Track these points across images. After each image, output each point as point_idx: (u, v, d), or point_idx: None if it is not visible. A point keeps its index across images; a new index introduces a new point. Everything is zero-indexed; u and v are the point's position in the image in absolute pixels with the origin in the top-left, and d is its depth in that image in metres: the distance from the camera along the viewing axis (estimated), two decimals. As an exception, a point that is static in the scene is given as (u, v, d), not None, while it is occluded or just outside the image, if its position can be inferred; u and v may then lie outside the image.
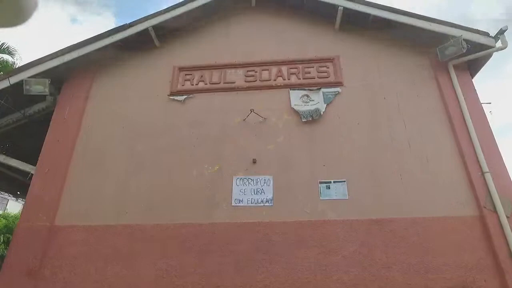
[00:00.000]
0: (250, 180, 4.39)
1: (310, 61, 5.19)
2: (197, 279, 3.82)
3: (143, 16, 5.41)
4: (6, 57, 9.59)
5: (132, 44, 5.49)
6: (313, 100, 4.82)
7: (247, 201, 4.27)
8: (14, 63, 8.47)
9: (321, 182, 4.29)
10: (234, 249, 3.95)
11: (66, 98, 5.23)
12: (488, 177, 3.99)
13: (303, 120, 4.66)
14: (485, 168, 4.03)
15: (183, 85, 5.22)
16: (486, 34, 4.59)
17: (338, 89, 4.89)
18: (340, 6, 5.11)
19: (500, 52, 4.53)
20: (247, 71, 5.23)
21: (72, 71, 5.40)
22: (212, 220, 4.16)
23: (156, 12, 5.42)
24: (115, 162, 4.62)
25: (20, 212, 5.10)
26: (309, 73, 5.11)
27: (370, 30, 5.27)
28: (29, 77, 4.97)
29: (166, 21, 5.39)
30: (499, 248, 3.63)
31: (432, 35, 4.81)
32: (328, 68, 5.11)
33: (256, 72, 5.20)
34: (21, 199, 9.02)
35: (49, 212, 4.34)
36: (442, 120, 4.49)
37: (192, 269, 3.88)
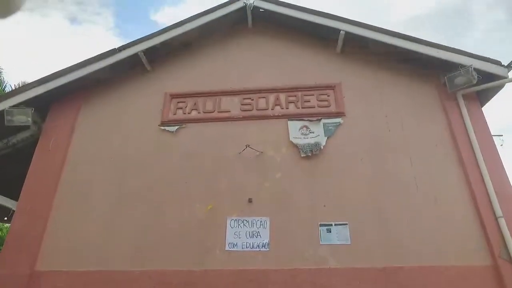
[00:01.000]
0: (245, 222, 4.09)
1: (309, 88, 4.88)
2: (187, 335, 3.53)
3: (133, 40, 5.11)
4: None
5: (122, 68, 5.20)
6: (313, 132, 4.53)
7: (242, 245, 3.97)
8: (1, 81, 8.16)
9: (321, 225, 3.99)
10: (227, 301, 3.65)
11: (51, 127, 4.94)
12: (502, 222, 3.68)
13: (302, 155, 4.36)
14: (499, 212, 3.73)
15: (174, 114, 4.92)
16: (498, 63, 4.29)
17: (339, 119, 4.59)
18: (342, 30, 4.82)
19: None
20: (243, 98, 4.93)
21: (58, 97, 5.10)
22: (204, 266, 3.86)
23: (147, 36, 5.13)
24: (102, 200, 4.32)
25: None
26: (309, 101, 4.80)
27: (374, 54, 4.97)
28: (11, 107, 4.68)
29: (157, 45, 5.09)
30: (516, 304, 3.33)
31: (440, 62, 4.51)
32: (328, 96, 4.81)
33: (252, 100, 4.90)
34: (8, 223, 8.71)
35: (30, 255, 4.05)
36: (451, 157, 4.19)
37: (181, 324, 3.59)
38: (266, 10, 5.22)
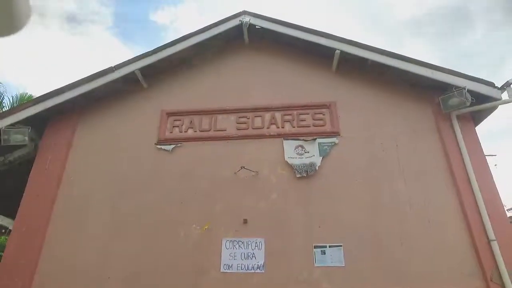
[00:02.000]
0: (240, 243, 4.12)
1: (305, 107, 4.91)
2: None
3: (129, 59, 5.13)
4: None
5: (118, 86, 5.22)
6: (308, 152, 4.55)
7: (237, 267, 4.00)
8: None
9: (315, 247, 4.01)
10: (222, 325, 3.68)
11: (47, 146, 4.96)
12: (495, 245, 3.71)
13: (297, 176, 4.38)
14: (492, 235, 3.76)
15: (171, 132, 4.95)
16: (491, 84, 4.33)
17: (334, 139, 4.62)
18: (337, 49, 4.84)
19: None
20: (239, 117, 4.95)
21: (55, 115, 5.12)
22: (199, 289, 3.88)
23: (143, 54, 5.15)
24: (97, 222, 4.34)
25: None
26: (304, 120, 4.83)
27: (369, 73, 5.00)
28: (7, 126, 4.69)
29: (153, 64, 5.12)
30: (508, 329, 3.36)
31: (435, 82, 4.55)
32: (324, 115, 4.84)
33: (248, 118, 4.92)
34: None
35: (25, 278, 4.06)
36: (445, 178, 4.22)
37: None
38: (261, 28, 5.24)
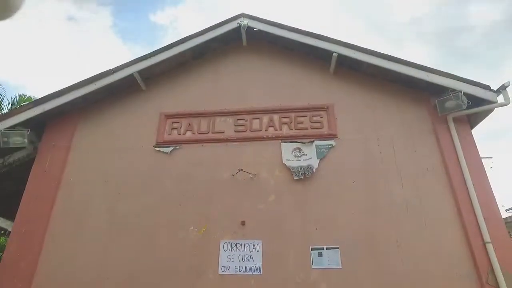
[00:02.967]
0: (238, 245, 4.15)
1: (303, 109, 4.94)
2: None
3: (127, 61, 5.16)
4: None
5: (117, 88, 5.25)
6: (306, 155, 4.58)
7: (235, 269, 4.03)
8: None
9: (313, 249, 4.04)
10: (219, 326, 3.71)
11: (47, 147, 4.99)
12: (490, 248, 3.75)
13: (295, 178, 4.41)
14: (487, 237, 3.79)
15: (169, 134, 4.98)
16: (487, 87, 4.35)
17: (332, 142, 4.65)
18: (335, 52, 4.87)
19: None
20: (237, 119, 4.98)
21: (54, 117, 5.15)
22: (197, 291, 3.91)
23: (142, 56, 5.18)
24: (96, 224, 4.37)
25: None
26: (302, 123, 4.86)
27: (366, 76, 5.04)
28: (6, 129, 4.72)
29: (151, 66, 5.15)
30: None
31: (431, 85, 4.57)
32: (321, 117, 4.86)
33: (246, 121, 4.95)
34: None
35: (25, 280, 4.09)
36: (441, 181, 4.25)
37: None
38: (259, 30, 5.27)
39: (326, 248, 4.03)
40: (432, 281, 3.73)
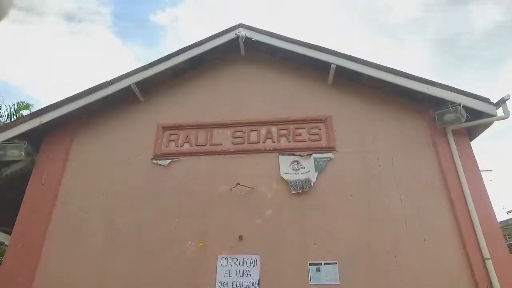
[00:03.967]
0: (235, 260, 4.12)
1: (301, 121, 4.91)
2: None
3: (125, 72, 5.14)
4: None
5: (115, 99, 5.23)
6: (304, 168, 4.55)
7: (232, 284, 4.00)
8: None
9: (311, 264, 4.02)
10: None
11: (43, 160, 4.96)
12: (489, 264, 3.72)
13: (293, 192, 4.39)
14: (486, 254, 3.76)
15: (167, 146, 4.95)
16: (486, 100, 4.32)
17: (330, 154, 4.62)
18: (333, 64, 4.85)
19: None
20: (235, 131, 4.95)
21: (51, 128, 5.13)
22: (194, 307, 3.89)
23: (140, 68, 5.16)
24: (93, 238, 4.35)
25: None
26: (300, 135, 4.83)
27: (365, 87, 5.01)
28: (4, 141, 4.71)
29: (149, 77, 5.13)
30: None
31: (431, 97, 4.55)
32: (320, 129, 4.83)
33: (244, 133, 4.92)
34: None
35: (22, 295, 4.07)
36: (440, 195, 4.21)
37: None
38: (257, 41, 5.24)
39: (324, 264, 4.01)
40: (431, 298, 3.70)
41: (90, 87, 5.07)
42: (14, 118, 8.18)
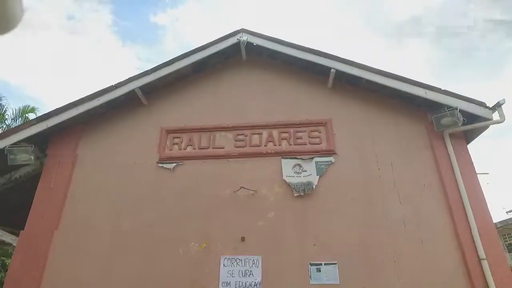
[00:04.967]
0: (238, 261, 4.24)
1: (301, 124, 5.02)
2: None
3: (129, 77, 5.25)
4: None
5: (119, 103, 5.34)
6: (306, 171, 4.66)
7: (235, 284, 4.12)
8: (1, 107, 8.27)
9: (311, 264, 4.13)
10: None
11: (52, 163, 5.07)
12: (485, 264, 3.83)
13: (295, 195, 4.50)
14: (482, 254, 3.87)
15: (171, 150, 5.07)
16: (482, 104, 4.43)
17: (331, 158, 4.72)
18: (333, 68, 4.96)
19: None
20: (237, 134, 5.07)
21: (57, 131, 5.24)
22: (198, 307, 4.01)
23: (144, 72, 5.27)
24: (100, 240, 4.46)
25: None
26: (301, 138, 4.95)
27: (364, 91, 5.12)
28: (11, 145, 4.82)
29: (153, 82, 5.24)
30: None
31: (428, 101, 4.65)
32: (320, 132, 4.95)
33: (246, 136, 5.04)
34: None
35: (30, 296, 4.19)
36: (438, 196, 4.33)
37: None
38: (258, 46, 5.35)
39: (324, 264, 4.12)
40: (428, 297, 3.81)
41: (95, 91, 5.18)
42: (19, 121, 8.31)
